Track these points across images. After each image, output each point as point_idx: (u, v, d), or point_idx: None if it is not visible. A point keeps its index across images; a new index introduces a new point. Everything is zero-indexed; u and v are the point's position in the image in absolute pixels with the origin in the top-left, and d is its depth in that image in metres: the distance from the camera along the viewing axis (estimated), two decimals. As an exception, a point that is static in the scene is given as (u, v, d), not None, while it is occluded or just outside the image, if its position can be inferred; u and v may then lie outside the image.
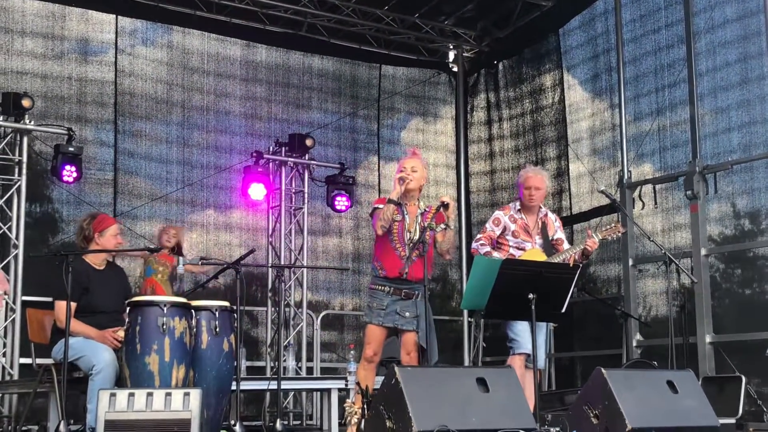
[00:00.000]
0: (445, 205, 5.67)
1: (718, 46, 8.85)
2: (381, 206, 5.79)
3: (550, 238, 6.36)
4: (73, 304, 5.57)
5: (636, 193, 9.28)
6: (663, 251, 6.48)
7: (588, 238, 6.16)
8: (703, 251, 8.60)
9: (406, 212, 5.79)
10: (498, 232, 6.29)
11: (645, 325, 9.00)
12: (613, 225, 6.41)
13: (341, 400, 7.58)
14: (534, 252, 6.24)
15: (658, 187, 9.20)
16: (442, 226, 5.76)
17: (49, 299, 5.78)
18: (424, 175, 5.91)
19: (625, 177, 9.36)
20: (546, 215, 6.44)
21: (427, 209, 5.88)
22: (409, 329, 5.75)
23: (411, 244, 5.72)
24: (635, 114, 9.64)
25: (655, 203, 9.18)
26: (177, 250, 8.32)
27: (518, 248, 6.26)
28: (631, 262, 9.24)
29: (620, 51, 9.61)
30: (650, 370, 6.87)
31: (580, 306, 9.84)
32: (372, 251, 6.03)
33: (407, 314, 5.73)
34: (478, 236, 6.35)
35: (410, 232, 5.76)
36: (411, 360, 5.75)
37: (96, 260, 5.89)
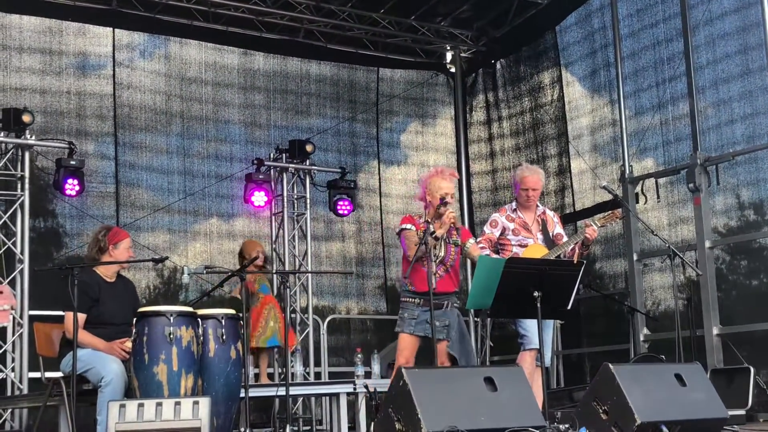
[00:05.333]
0: (445, 203, 5.79)
1: (718, 38, 8.84)
2: (409, 226, 5.91)
3: (551, 234, 6.38)
4: (84, 316, 5.60)
5: (639, 188, 9.27)
6: (667, 245, 6.48)
7: (587, 227, 6.19)
8: (708, 243, 8.59)
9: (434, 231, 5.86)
10: (497, 234, 6.33)
11: (652, 320, 8.99)
12: (610, 212, 6.43)
13: (350, 404, 7.58)
14: (536, 247, 6.26)
15: (662, 181, 9.20)
16: (471, 241, 6.04)
17: (56, 313, 5.81)
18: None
19: (627, 172, 9.36)
20: (544, 212, 6.47)
21: (452, 226, 5.97)
22: (439, 338, 5.81)
23: (437, 260, 5.84)
24: (636, 109, 9.63)
25: (658, 197, 9.17)
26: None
27: (521, 245, 6.29)
28: (635, 257, 9.24)
29: (618, 46, 9.61)
30: (658, 364, 6.86)
31: (587, 302, 9.84)
32: (400, 266, 6.14)
33: (437, 323, 5.77)
34: (478, 239, 6.37)
35: (436, 249, 5.85)
36: None
37: (107, 272, 5.91)
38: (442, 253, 5.89)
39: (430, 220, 5.84)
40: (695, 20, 8.92)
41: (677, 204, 9.24)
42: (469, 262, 10.54)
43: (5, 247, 8.25)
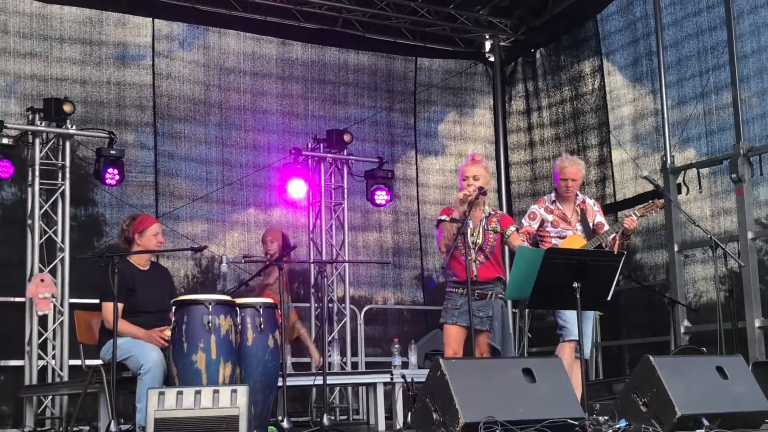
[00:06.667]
0: (484, 192, 5.77)
1: (762, 26, 8.69)
2: (445, 218, 5.85)
3: (591, 223, 6.33)
4: (120, 305, 5.64)
5: (681, 179, 9.15)
6: (709, 236, 6.39)
7: (626, 217, 6.13)
8: (750, 235, 8.46)
9: (469, 218, 5.77)
10: (536, 226, 6.30)
11: (693, 311, 8.88)
12: (650, 201, 6.35)
13: (387, 395, 7.58)
14: (574, 238, 6.20)
15: (704, 171, 9.06)
16: (512, 228, 5.95)
17: (97, 301, 5.86)
18: (487, 180, 5.96)
19: (669, 162, 9.23)
20: (584, 202, 6.42)
21: (492, 212, 5.97)
22: (482, 329, 5.75)
23: (475, 248, 5.79)
24: (679, 98, 9.50)
25: (700, 188, 9.04)
26: (285, 251, 7.52)
27: (559, 237, 6.26)
28: (677, 248, 9.12)
29: (660, 35, 9.47)
30: (699, 356, 6.77)
31: (627, 293, 9.74)
32: (436, 257, 6.07)
33: (480, 314, 5.74)
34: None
35: (473, 236, 5.81)
36: None
37: (140, 261, 5.95)
38: (479, 240, 5.84)
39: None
40: (739, 8, 8.76)
41: (719, 195, 9.10)
42: (508, 251, 10.52)
43: (46, 235, 8.34)
